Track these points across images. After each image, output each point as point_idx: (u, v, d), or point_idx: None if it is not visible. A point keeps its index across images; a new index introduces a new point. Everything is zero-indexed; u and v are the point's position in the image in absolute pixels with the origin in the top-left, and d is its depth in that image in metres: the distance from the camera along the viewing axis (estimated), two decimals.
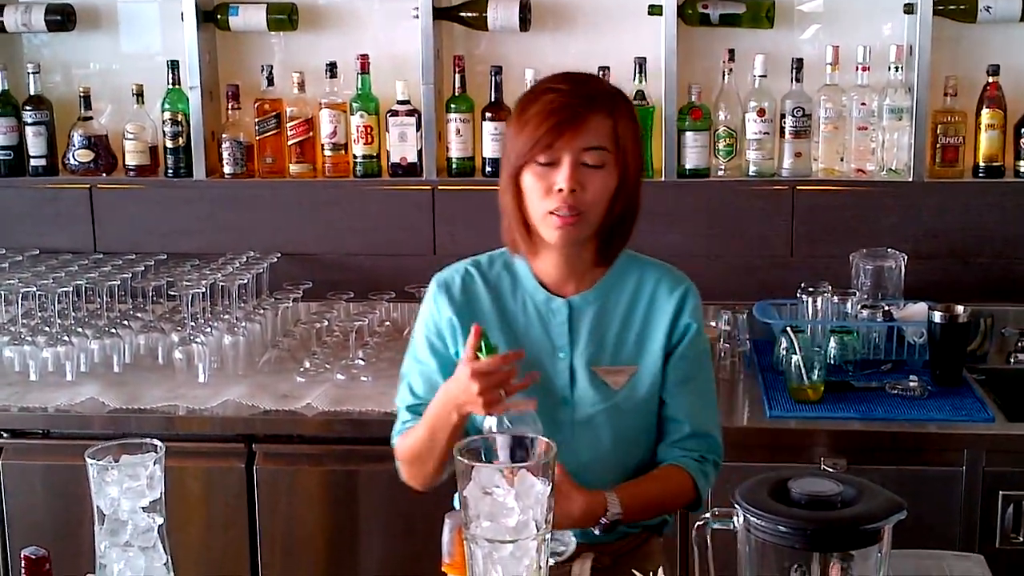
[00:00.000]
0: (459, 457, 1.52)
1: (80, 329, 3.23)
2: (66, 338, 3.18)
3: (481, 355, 2.01)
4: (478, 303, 2.26)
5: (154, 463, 1.55)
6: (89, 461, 1.53)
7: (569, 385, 2.22)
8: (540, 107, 2.11)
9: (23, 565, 1.81)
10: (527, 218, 2.16)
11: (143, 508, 1.55)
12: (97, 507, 1.55)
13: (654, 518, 2.28)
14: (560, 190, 2.08)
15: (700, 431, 2.25)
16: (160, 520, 1.57)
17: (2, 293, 3.33)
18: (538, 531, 1.53)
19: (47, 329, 3.22)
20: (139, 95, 3.65)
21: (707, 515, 1.75)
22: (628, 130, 2.14)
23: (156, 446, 1.57)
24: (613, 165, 2.12)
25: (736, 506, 1.66)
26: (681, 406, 2.25)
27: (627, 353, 2.24)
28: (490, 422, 2.02)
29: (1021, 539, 2.82)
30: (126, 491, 1.53)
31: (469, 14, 3.51)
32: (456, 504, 1.81)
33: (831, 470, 2.77)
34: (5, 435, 3.03)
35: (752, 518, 1.63)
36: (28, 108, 3.67)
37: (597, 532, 2.09)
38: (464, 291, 2.28)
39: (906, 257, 3.34)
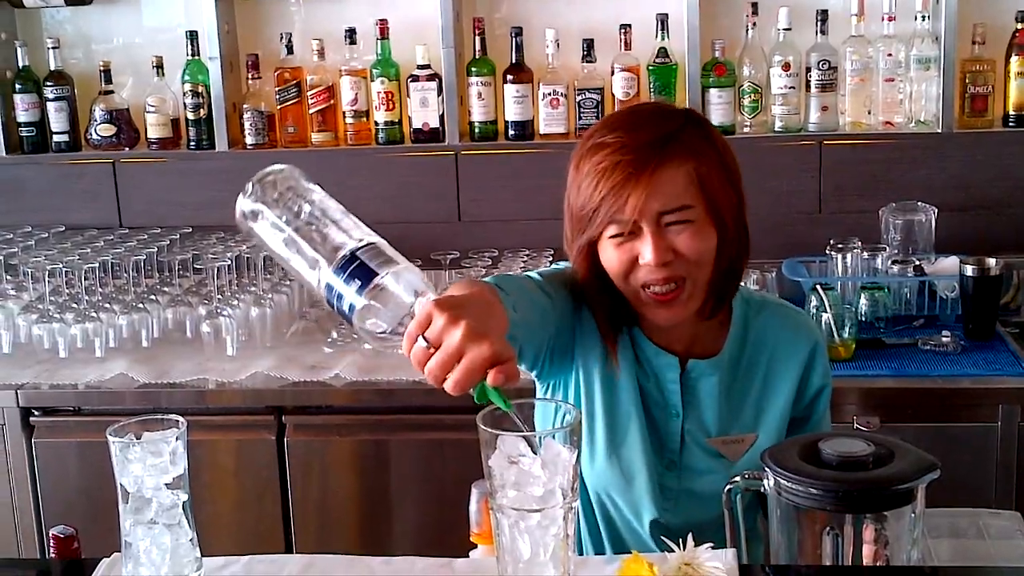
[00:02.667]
0: (483, 426, 1.49)
1: (108, 305, 3.23)
2: (94, 314, 3.18)
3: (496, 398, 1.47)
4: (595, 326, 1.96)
5: (176, 439, 1.54)
6: (111, 439, 1.52)
7: (679, 450, 1.95)
8: (596, 167, 1.78)
9: (51, 544, 1.82)
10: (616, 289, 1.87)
11: (167, 485, 1.54)
12: (121, 485, 1.54)
13: None
14: (647, 263, 1.79)
15: None
16: (184, 496, 1.56)
17: (29, 271, 3.33)
18: (564, 499, 1.51)
19: (75, 306, 3.22)
20: (159, 67, 3.64)
21: (737, 478, 1.72)
22: (713, 168, 1.80)
23: (178, 421, 1.56)
24: (705, 216, 1.80)
25: (766, 469, 1.63)
26: None
27: (747, 418, 1.96)
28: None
29: None
30: (149, 468, 1.52)
31: None
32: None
33: (864, 429, 2.74)
34: (36, 413, 3.04)
35: (783, 480, 1.61)
36: (49, 84, 3.67)
37: None
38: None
39: (936, 210, 3.30)
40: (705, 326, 1.95)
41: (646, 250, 1.77)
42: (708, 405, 1.95)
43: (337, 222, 1.54)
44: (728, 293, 1.92)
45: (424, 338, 1.44)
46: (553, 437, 1.50)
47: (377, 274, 1.47)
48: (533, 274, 1.91)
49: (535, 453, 1.47)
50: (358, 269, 1.47)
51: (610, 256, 1.82)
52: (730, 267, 1.87)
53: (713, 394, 1.95)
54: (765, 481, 1.66)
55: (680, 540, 1.62)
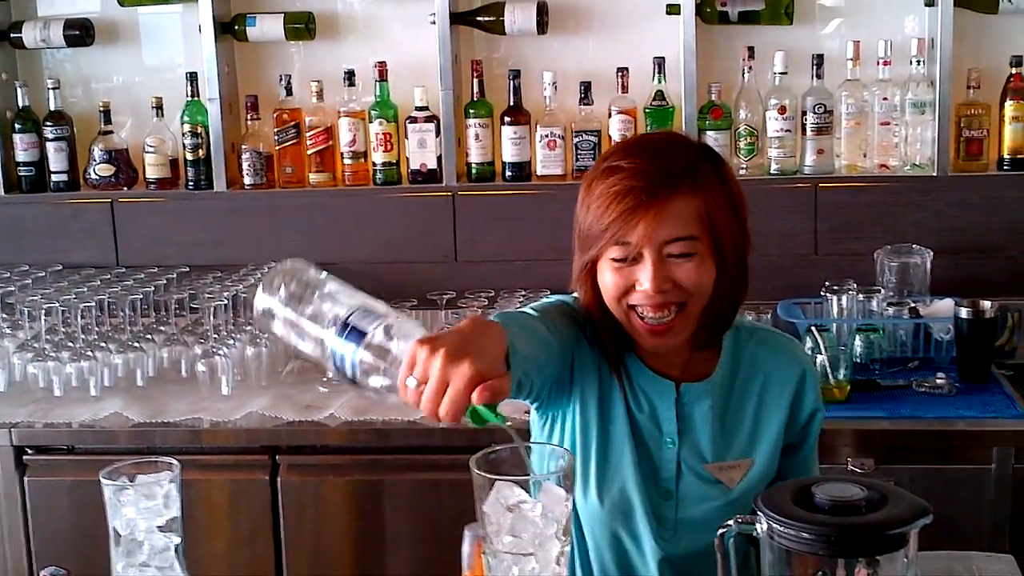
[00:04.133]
0: (477, 471, 1.49)
1: (103, 344, 3.23)
2: (89, 353, 3.18)
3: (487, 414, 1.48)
4: (597, 356, 1.97)
5: (169, 482, 1.54)
6: (104, 481, 1.52)
7: (675, 478, 1.95)
8: (607, 190, 1.79)
9: None
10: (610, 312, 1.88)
11: (159, 527, 1.54)
12: (113, 528, 1.54)
13: None
14: (644, 289, 1.80)
15: None
16: (177, 540, 1.56)
17: (26, 309, 3.33)
18: (559, 543, 1.51)
19: (70, 344, 3.22)
20: (158, 108, 3.65)
21: (730, 522, 1.72)
22: (722, 204, 1.81)
23: (171, 464, 1.56)
24: (707, 251, 1.81)
25: (759, 513, 1.63)
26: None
27: (741, 444, 1.96)
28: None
29: None
30: (142, 511, 1.52)
31: (486, 18, 3.50)
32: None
33: (858, 470, 2.74)
34: (30, 451, 3.03)
35: (775, 525, 1.61)
36: (48, 124, 3.68)
37: None
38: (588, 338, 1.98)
39: (931, 253, 3.31)
40: (699, 354, 1.96)
41: (644, 276, 1.79)
42: (702, 431, 1.95)
43: (336, 298, 1.59)
44: (723, 327, 1.94)
45: (413, 377, 1.45)
46: (551, 479, 1.51)
47: (366, 333, 1.50)
48: (529, 309, 1.90)
49: (531, 496, 1.48)
50: (352, 332, 1.52)
51: (608, 278, 1.83)
52: (728, 303, 1.89)
53: (707, 419, 1.95)
54: (758, 525, 1.66)
55: None
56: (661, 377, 1.95)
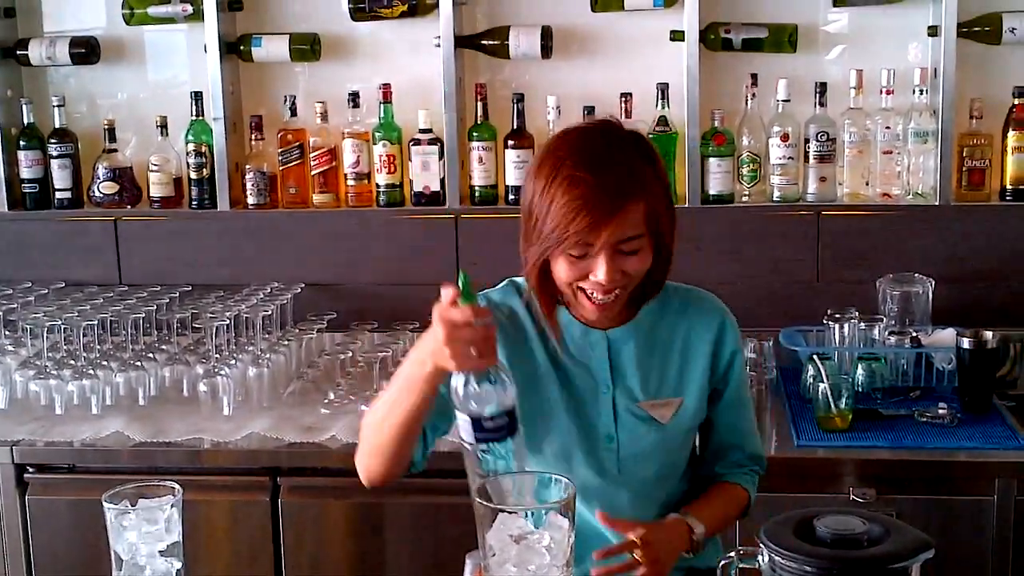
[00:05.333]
0: (480, 501, 1.50)
1: (105, 362, 3.23)
2: (91, 371, 3.18)
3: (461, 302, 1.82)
4: (524, 331, 2.19)
5: (171, 506, 1.54)
6: (106, 505, 1.53)
7: (613, 423, 2.15)
8: (567, 197, 1.96)
9: None
10: (555, 288, 2.10)
11: (161, 552, 1.54)
12: (115, 552, 1.54)
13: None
14: (596, 280, 2.01)
15: (752, 451, 2.31)
16: (178, 564, 1.56)
17: (28, 327, 3.34)
18: (562, 573, 1.52)
19: (72, 362, 3.22)
20: (163, 127, 3.66)
21: (731, 554, 1.73)
22: (660, 198, 2.04)
23: (174, 488, 1.56)
24: (648, 245, 2.03)
25: (761, 545, 1.63)
26: (736, 431, 2.28)
27: (670, 384, 2.19)
28: (457, 381, 1.81)
29: None
30: (144, 535, 1.52)
31: (491, 42, 3.51)
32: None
33: (860, 500, 2.74)
34: (31, 470, 3.03)
35: (777, 557, 1.61)
36: (53, 141, 3.69)
37: (690, 555, 2.07)
38: (511, 316, 2.19)
39: (933, 282, 3.31)
40: (627, 310, 2.17)
41: (600, 271, 1.99)
42: (632, 373, 2.16)
43: None
44: (655, 293, 2.16)
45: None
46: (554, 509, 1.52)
47: None
48: None
49: (536, 527, 1.48)
50: None
51: (562, 269, 2.03)
52: (660, 273, 2.12)
53: (634, 359, 2.16)
54: (759, 557, 1.66)
55: None
56: (592, 329, 2.16)
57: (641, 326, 2.18)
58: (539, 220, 2.01)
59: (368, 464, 2.11)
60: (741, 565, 1.72)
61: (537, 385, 2.15)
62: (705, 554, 2.14)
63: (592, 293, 2.04)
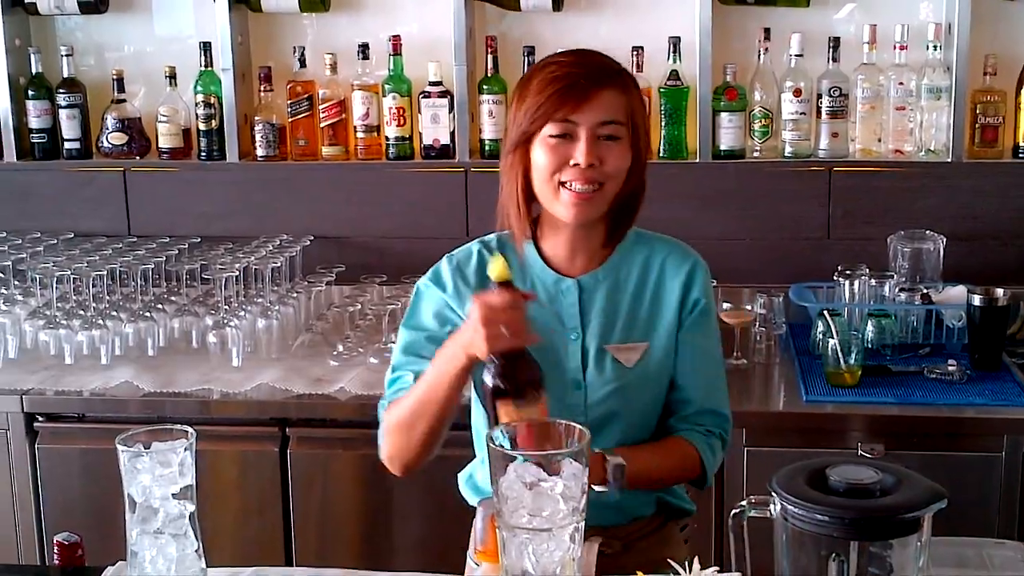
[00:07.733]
0: (495, 446, 1.50)
1: (114, 313, 3.23)
2: (100, 322, 3.18)
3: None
4: (490, 285, 2.18)
5: (185, 449, 1.55)
6: (120, 448, 1.53)
7: (581, 367, 2.15)
8: (548, 76, 2.04)
9: (56, 551, 1.82)
10: (532, 195, 2.11)
11: (174, 495, 1.54)
12: (128, 494, 1.54)
13: (658, 488, 2.20)
14: (576, 164, 2.01)
15: (709, 407, 2.20)
16: (191, 507, 1.56)
17: (37, 277, 3.34)
18: (575, 518, 1.52)
19: (82, 313, 3.22)
20: (172, 77, 3.65)
21: (743, 503, 1.72)
22: (640, 107, 2.10)
23: (187, 432, 1.57)
24: (627, 141, 2.06)
25: (773, 494, 1.63)
26: (691, 382, 2.19)
27: (639, 330, 2.17)
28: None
29: None
30: (157, 478, 1.52)
31: None
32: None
33: (868, 455, 2.74)
34: (41, 419, 3.04)
35: (790, 506, 1.61)
36: (62, 91, 3.68)
37: (612, 490, 1.96)
38: (478, 271, 2.21)
39: (944, 239, 3.30)
40: (600, 253, 2.18)
41: (580, 152, 2.01)
42: (602, 320, 2.16)
43: None
44: (622, 223, 2.16)
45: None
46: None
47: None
48: (403, 373, 2.19)
49: (549, 475, 1.48)
50: None
51: (543, 154, 2.04)
52: (632, 195, 2.13)
53: (603, 304, 2.16)
54: (771, 506, 1.66)
55: (686, 563, 1.62)
56: (563, 277, 2.16)
57: (611, 272, 2.18)
58: (523, 105, 2.06)
59: (400, 457, 2.22)
60: (752, 514, 1.72)
61: None
62: (672, 492, 2.22)
63: (573, 184, 2.03)
